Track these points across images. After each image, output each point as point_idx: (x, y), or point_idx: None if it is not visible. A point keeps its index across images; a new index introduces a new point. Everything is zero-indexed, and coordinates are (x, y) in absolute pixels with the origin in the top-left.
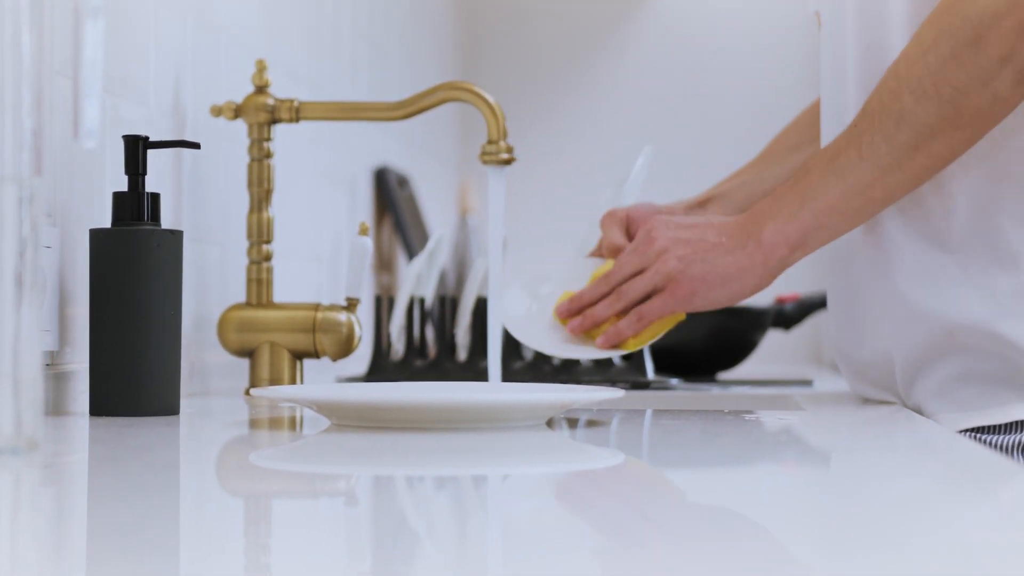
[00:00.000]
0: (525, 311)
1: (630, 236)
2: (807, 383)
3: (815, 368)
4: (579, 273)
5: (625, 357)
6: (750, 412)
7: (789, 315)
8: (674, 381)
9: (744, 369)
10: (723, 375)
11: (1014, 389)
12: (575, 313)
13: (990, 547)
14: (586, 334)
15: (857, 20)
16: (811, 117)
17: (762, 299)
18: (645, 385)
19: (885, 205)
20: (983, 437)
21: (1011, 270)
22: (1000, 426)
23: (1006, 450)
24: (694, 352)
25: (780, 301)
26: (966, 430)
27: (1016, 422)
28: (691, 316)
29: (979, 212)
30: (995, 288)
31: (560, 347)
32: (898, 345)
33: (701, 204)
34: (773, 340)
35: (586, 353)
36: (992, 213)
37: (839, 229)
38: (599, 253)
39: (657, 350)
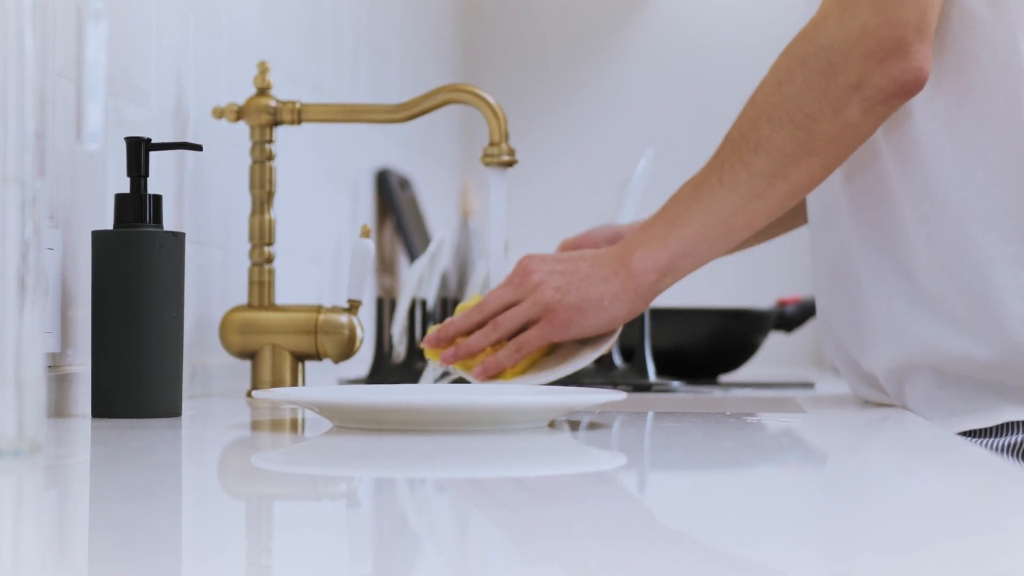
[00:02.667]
0: None
1: None
2: (809, 386)
3: (817, 370)
4: None
5: (626, 359)
6: (752, 414)
7: (790, 317)
8: (676, 383)
9: (746, 371)
10: (725, 377)
11: (999, 394)
12: (445, 342)
13: (995, 550)
14: (462, 365)
15: None
16: None
17: (764, 301)
18: (647, 387)
19: (750, 232)
20: (974, 441)
21: (983, 292)
22: (989, 429)
23: (998, 452)
24: (696, 354)
25: (781, 303)
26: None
27: (1005, 424)
28: (693, 319)
29: (956, 233)
30: (968, 311)
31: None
32: (879, 359)
33: None
34: (774, 342)
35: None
36: (967, 229)
37: (705, 256)
38: None
39: (659, 353)
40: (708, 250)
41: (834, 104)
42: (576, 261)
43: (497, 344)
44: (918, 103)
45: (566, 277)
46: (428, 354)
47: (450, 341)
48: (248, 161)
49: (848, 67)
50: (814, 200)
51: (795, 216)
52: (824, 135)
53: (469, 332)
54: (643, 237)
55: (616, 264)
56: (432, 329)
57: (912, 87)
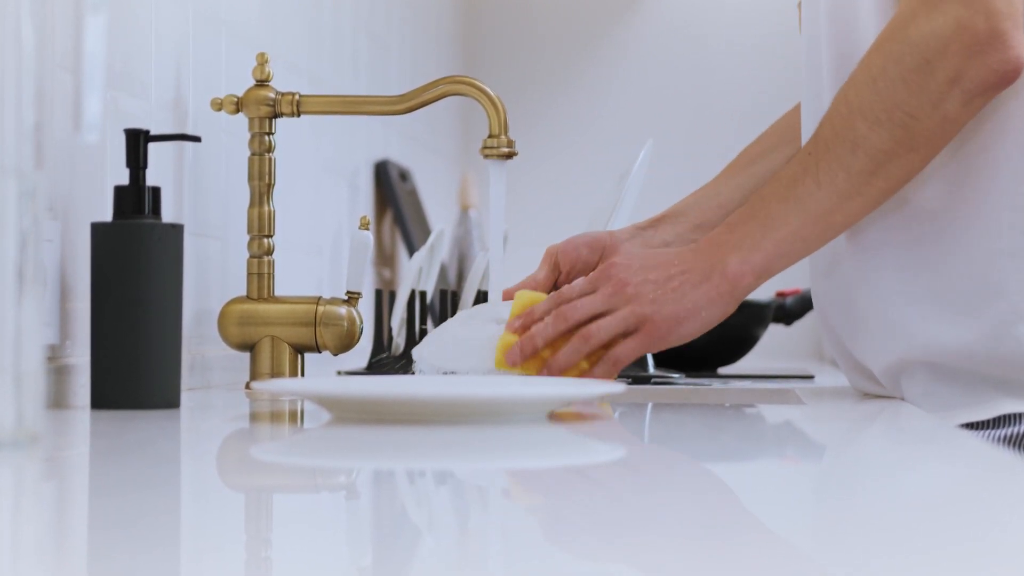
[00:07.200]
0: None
1: (560, 269)
2: (808, 378)
3: (816, 363)
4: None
5: None
6: (751, 406)
7: (790, 310)
8: (675, 375)
9: (745, 363)
10: (724, 369)
11: (995, 387)
12: (532, 355)
13: (994, 540)
14: (524, 367)
15: (830, 28)
16: (774, 131)
17: (763, 294)
18: (646, 379)
19: (845, 228)
20: (972, 433)
21: (980, 286)
22: (986, 421)
23: (996, 444)
24: (695, 346)
25: (781, 295)
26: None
27: (1002, 416)
28: None
29: (953, 228)
30: (964, 306)
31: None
32: (874, 356)
33: (654, 224)
34: (774, 335)
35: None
36: (967, 228)
37: (801, 254)
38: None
39: None
40: (804, 249)
41: (933, 99)
42: (666, 267)
43: (588, 355)
44: None
45: (660, 287)
46: (501, 366)
47: (535, 352)
48: (247, 153)
49: (945, 62)
50: None
51: None
52: (924, 130)
53: (553, 338)
54: (736, 239)
55: (708, 268)
56: (506, 339)
57: (1012, 76)
